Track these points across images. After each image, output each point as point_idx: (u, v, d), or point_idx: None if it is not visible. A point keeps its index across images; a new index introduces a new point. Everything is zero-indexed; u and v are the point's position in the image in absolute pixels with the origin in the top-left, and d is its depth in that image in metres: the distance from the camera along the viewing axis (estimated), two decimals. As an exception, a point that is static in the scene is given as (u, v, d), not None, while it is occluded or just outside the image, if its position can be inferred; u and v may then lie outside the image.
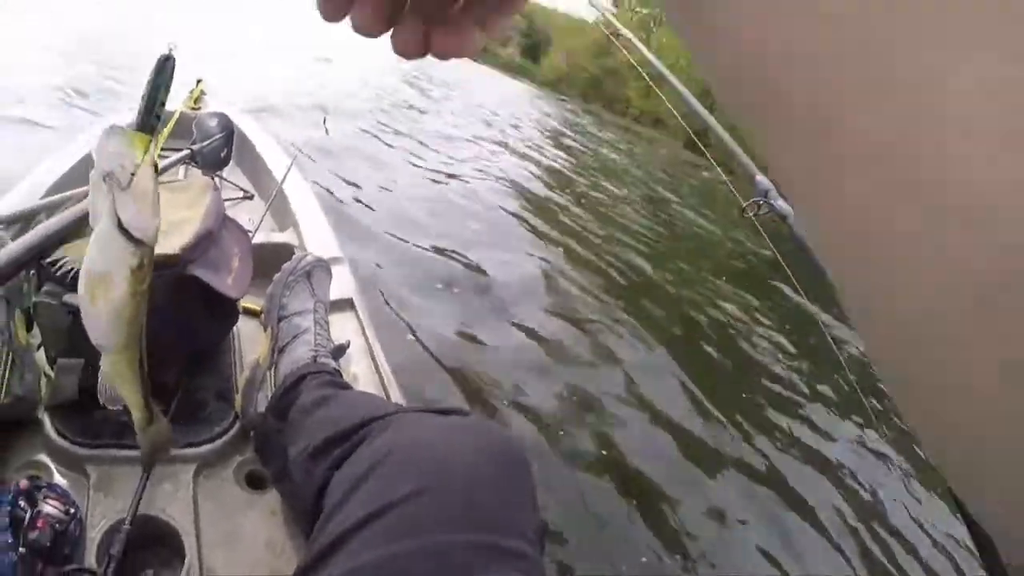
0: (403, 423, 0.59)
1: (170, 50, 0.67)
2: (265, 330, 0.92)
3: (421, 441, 0.53)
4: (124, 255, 0.48)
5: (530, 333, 2.54)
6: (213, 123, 1.46)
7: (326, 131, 4.55)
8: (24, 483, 0.75)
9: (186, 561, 0.74)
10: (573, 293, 3.16)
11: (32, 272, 0.84)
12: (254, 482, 0.87)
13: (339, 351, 0.92)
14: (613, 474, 1.87)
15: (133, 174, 0.45)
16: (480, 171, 5.24)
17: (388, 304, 2.31)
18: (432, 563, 0.44)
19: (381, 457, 0.52)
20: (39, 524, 0.73)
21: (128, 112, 1.71)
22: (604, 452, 1.96)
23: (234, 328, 0.99)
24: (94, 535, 0.75)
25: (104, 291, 0.50)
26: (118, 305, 0.50)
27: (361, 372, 1.03)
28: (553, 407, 2.09)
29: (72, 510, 0.76)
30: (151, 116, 0.48)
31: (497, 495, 0.48)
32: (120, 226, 0.46)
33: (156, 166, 0.46)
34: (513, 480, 0.51)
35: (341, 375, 0.86)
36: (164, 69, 0.66)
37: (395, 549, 0.45)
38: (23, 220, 0.97)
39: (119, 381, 0.57)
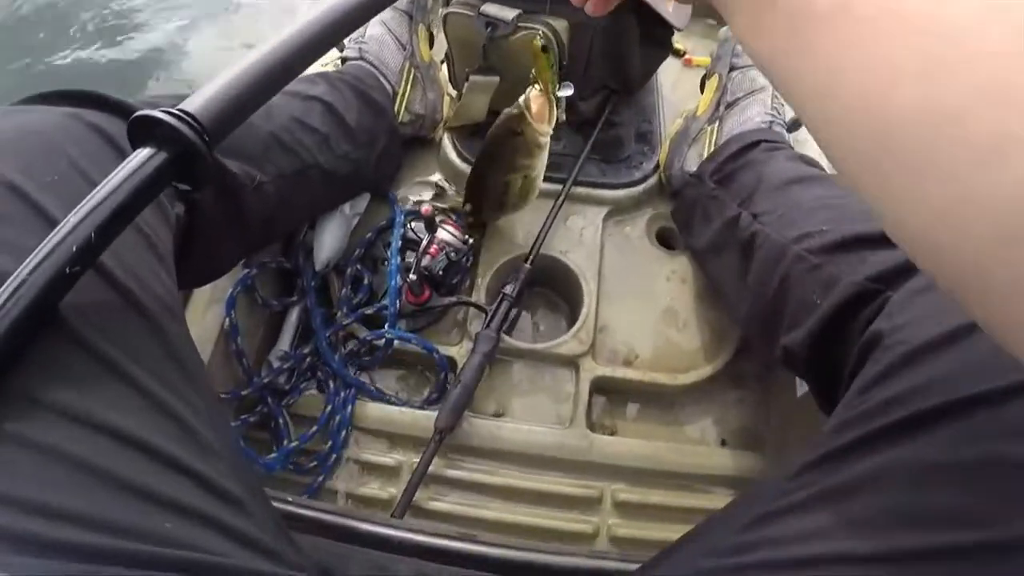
0: None
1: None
2: (709, 77, 0.76)
3: None
4: None
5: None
6: None
7: None
8: (427, 208, 0.72)
9: (583, 311, 0.67)
10: None
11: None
12: (664, 241, 0.77)
13: (796, 124, 0.74)
14: None
15: None
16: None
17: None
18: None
19: None
20: (432, 251, 0.71)
21: None
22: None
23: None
24: (486, 269, 0.71)
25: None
26: None
27: (812, 149, 0.83)
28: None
29: (469, 239, 0.72)
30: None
31: None
32: None
33: None
34: None
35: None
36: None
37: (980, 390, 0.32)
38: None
39: None
